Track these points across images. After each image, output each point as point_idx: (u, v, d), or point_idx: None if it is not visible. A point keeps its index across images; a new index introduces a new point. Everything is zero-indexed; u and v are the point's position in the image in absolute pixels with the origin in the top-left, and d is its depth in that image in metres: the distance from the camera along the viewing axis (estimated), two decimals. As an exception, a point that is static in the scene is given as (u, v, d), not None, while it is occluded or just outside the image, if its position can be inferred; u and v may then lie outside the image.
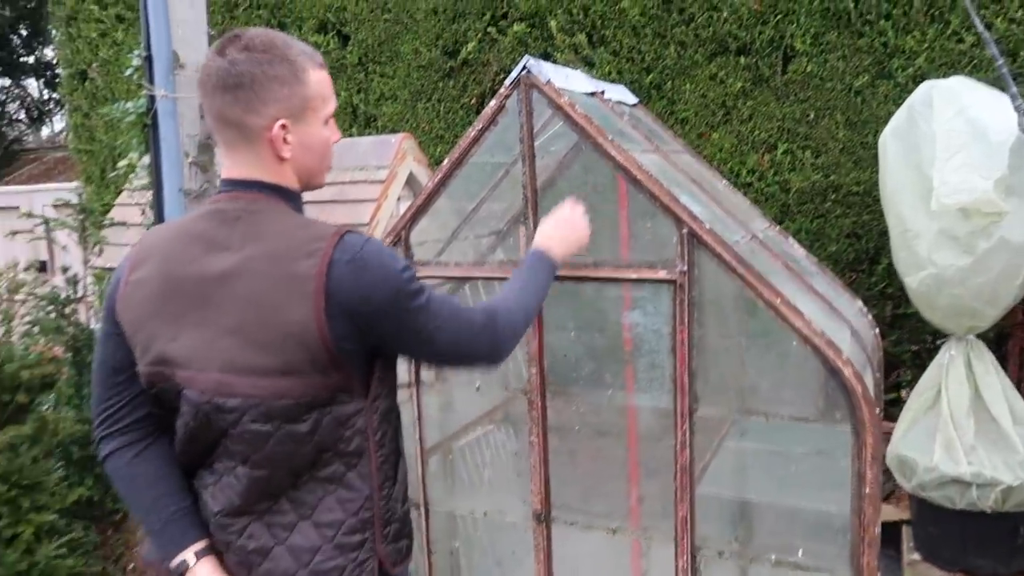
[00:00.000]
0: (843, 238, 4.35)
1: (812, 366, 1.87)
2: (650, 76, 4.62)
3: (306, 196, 4.16)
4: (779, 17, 4.32)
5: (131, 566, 3.51)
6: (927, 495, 3.20)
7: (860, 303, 2.59)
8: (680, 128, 4.61)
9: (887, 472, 3.68)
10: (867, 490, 1.83)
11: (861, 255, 4.35)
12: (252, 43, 1.40)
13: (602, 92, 2.46)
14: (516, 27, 4.87)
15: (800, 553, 1.97)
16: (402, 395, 2.42)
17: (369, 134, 5.32)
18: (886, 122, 3.38)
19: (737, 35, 4.43)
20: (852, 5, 4.15)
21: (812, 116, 4.35)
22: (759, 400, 1.97)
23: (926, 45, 4.04)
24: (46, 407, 3.03)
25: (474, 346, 1.49)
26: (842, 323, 2.19)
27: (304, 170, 1.49)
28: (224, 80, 1.39)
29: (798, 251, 2.62)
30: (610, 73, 4.68)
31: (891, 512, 3.78)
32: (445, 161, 2.24)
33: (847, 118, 4.27)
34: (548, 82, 2.08)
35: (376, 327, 1.39)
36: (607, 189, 2.27)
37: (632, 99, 2.77)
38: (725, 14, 4.42)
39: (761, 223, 2.60)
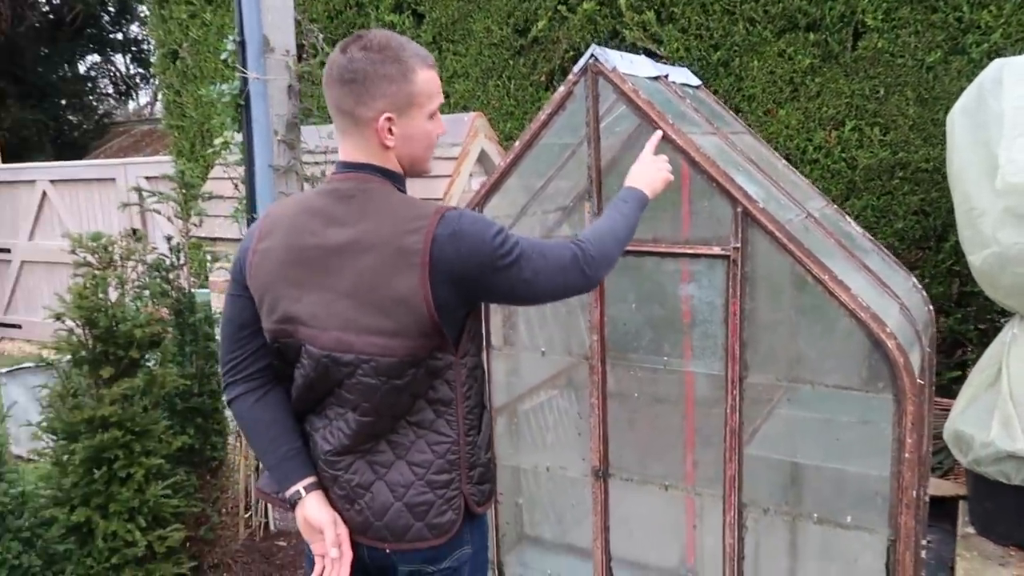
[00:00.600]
0: (910, 215, 4.35)
1: (857, 338, 1.99)
2: (718, 53, 4.67)
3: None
4: (850, -7, 4.31)
5: (224, 509, 3.85)
6: (983, 470, 3.25)
7: (914, 280, 2.66)
8: (747, 105, 4.65)
9: (946, 449, 3.73)
10: (906, 455, 1.94)
11: (928, 233, 4.34)
12: (370, 43, 1.59)
13: (666, 76, 2.58)
14: (586, 5, 4.97)
15: (848, 519, 2.10)
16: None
17: (442, 111, 5.51)
18: (958, 98, 3.39)
19: (807, 11, 4.43)
20: (926, -20, 4.11)
21: (882, 92, 4.34)
22: (806, 369, 2.09)
23: (1002, 20, 3.99)
24: (153, 363, 3.35)
25: (568, 279, 1.65)
26: (891, 299, 2.28)
27: (407, 157, 1.66)
28: (342, 75, 1.58)
29: (854, 229, 2.70)
30: (678, 50, 4.74)
31: (948, 488, 3.83)
32: (517, 143, 2.41)
33: (918, 94, 4.25)
34: (614, 69, 2.22)
35: (478, 287, 1.57)
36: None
37: (695, 81, 2.87)
38: (795, -10, 4.42)
39: (819, 202, 2.69)
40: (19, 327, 8.66)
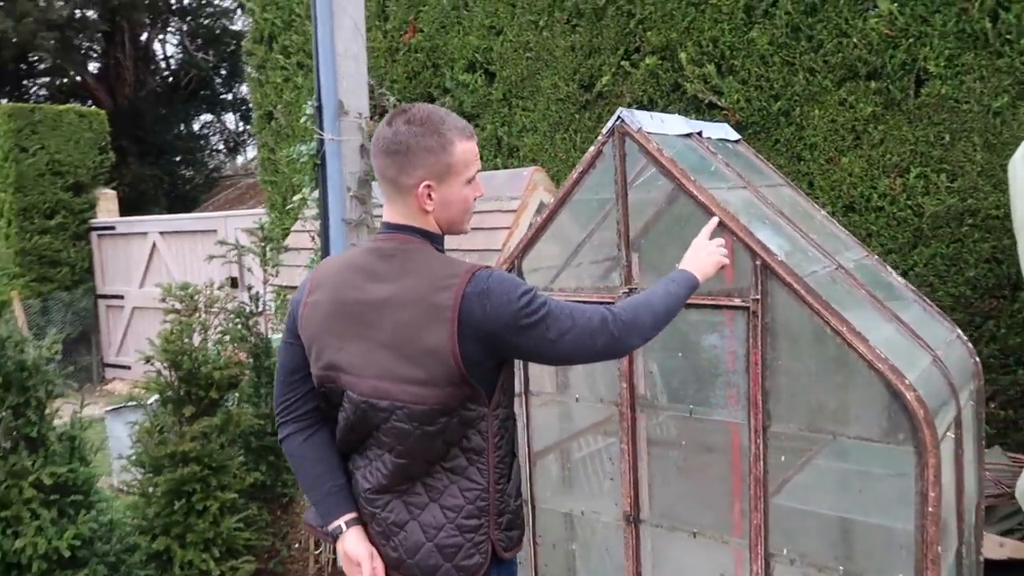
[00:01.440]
0: (982, 263, 4.23)
1: (876, 390, 2.01)
2: (778, 103, 4.71)
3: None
4: (911, 40, 4.29)
5: (296, 544, 4.07)
6: (1055, 530, 3.10)
7: (959, 332, 2.63)
8: (809, 153, 4.66)
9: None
10: (929, 509, 1.94)
11: (1002, 281, 4.20)
12: (413, 118, 1.73)
13: (699, 133, 2.69)
14: (648, 60, 5.12)
15: (875, 573, 2.09)
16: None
17: (512, 164, 5.75)
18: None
19: (867, 60, 4.43)
20: (989, 26, 4.07)
21: (947, 139, 4.27)
22: (828, 420, 2.11)
23: (1071, 64, 3.89)
24: (231, 403, 3.63)
25: (596, 342, 1.71)
26: (924, 350, 2.28)
27: (444, 220, 1.79)
28: (387, 146, 1.74)
29: (895, 280, 2.70)
30: (738, 101, 4.81)
31: (1026, 548, 3.64)
32: (552, 200, 2.56)
33: (985, 140, 4.17)
34: (639, 130, 2.35)
35: (504, 343, 1.67)
36: (700, 222, 2.48)
37: (734, 136, 2.96)
38: (855, 39, 4.44)
39: (857, 252, 2.71)
40: (128, 368, 9.34)
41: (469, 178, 1.79)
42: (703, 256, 1.99)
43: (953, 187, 4.26)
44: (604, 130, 2.40)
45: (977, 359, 2.59)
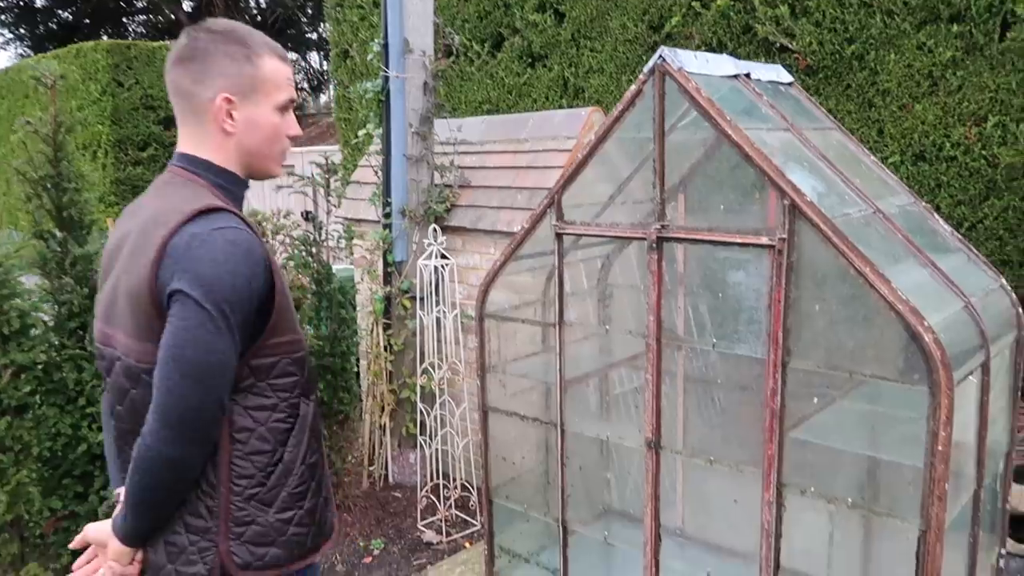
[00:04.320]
0: (1056, 218, 4.06)
1: (895, 330, 2.04)
2: (852, 47, 4.56)
3: (507, 162, 4.76)
4: (997, -19, 4.08)
5: (350, 458, 4.35)
6: (1098, 489, 3.06)
7: (1003, 282, 2.58)
8: (881, 100, 4.52)
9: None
10: (939, 448, 1.97)
11: (1077, 237, 4.04)
12: (215, 26, 1.53)
13: (746, 74, 2.68)
14: (719, 0, 5.01)
15: (882, 507, 2.14)
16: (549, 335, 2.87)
17: (576, 105, 5.75)
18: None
19: (950, 1, 4.24)
20: (1084, -34, 3.83)
21: (1030, 86, 4.07)
22: (845, 358, 2.14)
23: None
24: (295, 324, 3.88)
25: (168, 405, 1.39)
26: (957, 296, 2.27)
27: (249, 151, 1.54)
28: (182, 53, 1.51)
29: (941, 227, 2.66)
30: (810, 44, 4.68)
31: (1074, 509, 3.58)
32: (592, 135, 2.62)
33: (1070, 89, 3.96)
34: (680, 69, 2.38)
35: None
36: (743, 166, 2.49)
37: (787, 78, 2.93)
38: (937, -20, 4.25)
39: (903, 199, 2.67)
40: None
41: (281, 104, 1.56)
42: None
43: (1032, 138, 4.08)
44: (646, 68, 2.43)
45: (1020, 310, 2.55)
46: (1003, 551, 2.67)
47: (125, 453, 1.55)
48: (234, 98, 1.51)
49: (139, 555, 1.57)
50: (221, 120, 1.52)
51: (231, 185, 1.58)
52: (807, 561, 2.55)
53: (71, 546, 1.66)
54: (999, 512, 2.61)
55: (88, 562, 1.62)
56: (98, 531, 1.59)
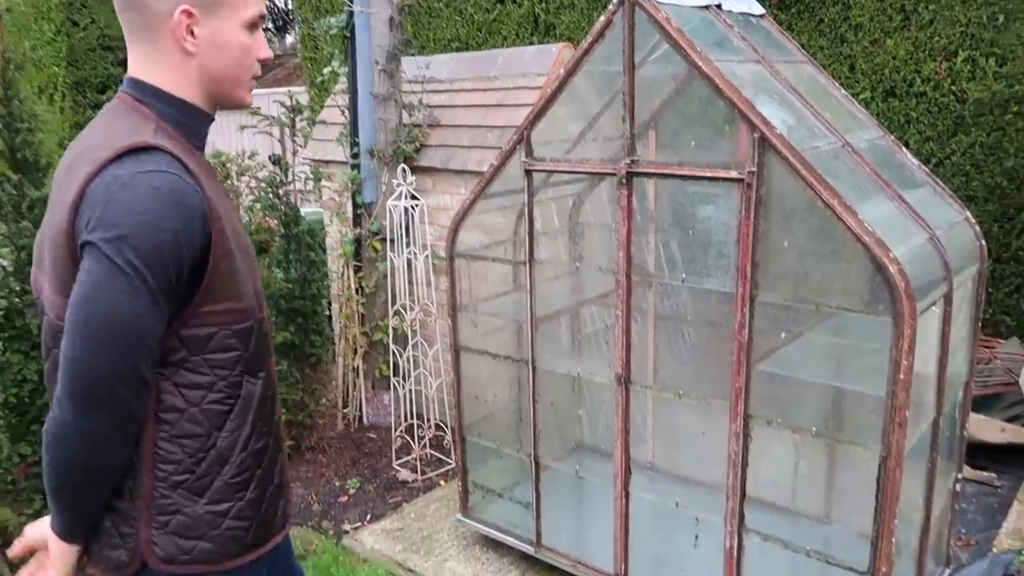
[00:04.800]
0: (1022, 153, 4.09)
1: (861, 262, 2.06)
2: (825, -21, 4.50)
3: (477, 100, 4.67)
4: (971, -89, 4.03)
5: (323, 400, 4.36)
6: (1052, 416, 3.16)
7: (968, 215, 2.61)
8: (853, 35, 4.49)
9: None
10: (901, 376, 2.02)
11: (1042, 172, 4.09)
12: None
13: (717, 5, 2.63)
14: (692, -68, 4.89)
15: (845, 435, 2.20)
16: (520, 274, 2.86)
17: (547, 42, 5.64)
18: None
19: (924, -67, 4.18)
20: None
21: (1001, 20, 4.06)
22: (812, 290, 2.17)
23: None
24: (261, 267, 3.83)
25: (74, 373, 1.22)
26: (922, 229, 2.30)
27: (213, 76, 1.33)
28: None
29: (909, 160, 2.67)
30: (783, -23, 4.61)
31: (1030, 436, 3.71)
32: (562, 70, 2.57)
33: (1040, 22, 3.96)
34: (649, -2, 2.32)
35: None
36: (715, 102, 2.46)
37: (758, 10, 2.89)
38: (911, -90, 4.18)
39: (872, 132, 2.67)
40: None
41: (249, 21, 1.34)
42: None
43: (1001, 72, 4.08)
44: (615, -2, 2.37)
45: (983, 243, 2.59)
46: (959, 476, 2.76)
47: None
48: (195, 11, 1.28)
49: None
50: (180, 38, 1.29)
51: (187, 118, 1.35)
52: (772, 490, 2.63)
53: (10, 554, 1.44)
54: (957, 439, 2.69)
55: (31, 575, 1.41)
56: (39, 531, 1.42)
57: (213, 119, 1.42)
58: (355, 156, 4.25)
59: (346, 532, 3.47)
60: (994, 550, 2.88)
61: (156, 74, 1.33)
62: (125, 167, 1.21)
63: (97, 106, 9.52)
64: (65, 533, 1.36)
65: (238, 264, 1.35)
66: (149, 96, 1.33)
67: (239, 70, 1.36)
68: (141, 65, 1.34)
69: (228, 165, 3.70)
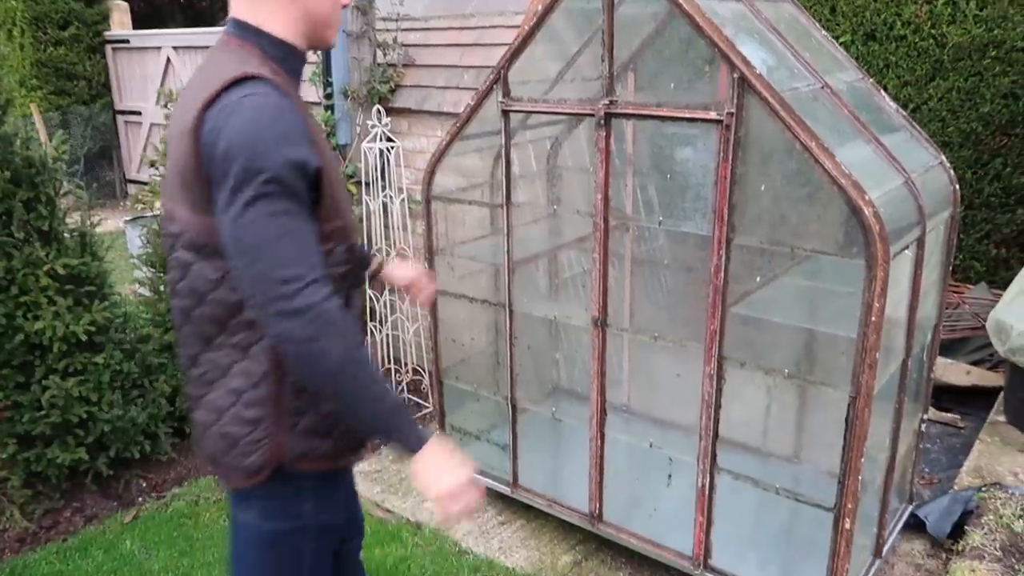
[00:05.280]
0: (998, 99, 4.10)
1: (837, 205, 2.06)
2: (808, -82, 4.41)
3: (453, 39, 4.57)
4: None
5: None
6: (1016, 360, 3.23)
7: (943, 159, 2.62)
8: (835, -24, 4.42)
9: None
10: (872, 318, 2.04)
11: (1017, 118, 4.10)
12: None
13: (699, -60, 2.56)
14: None
15: (815, 376, 2.23)
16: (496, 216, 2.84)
17: (525, -20, 5.49)
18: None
19: None
20: None
21: (984, -38, 4.01)
22: (788, 233, 2.17)
23: None
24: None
25: (265, 285, 1.27)
26: (898, 173, 2.30)
27: (315, 17, 1.42)
28: None
29: (887, 104, 2.66)
30: (766, -85, 4.51)
31: (993, 378, 3.80)
32: (540, 7, 2.50)
33: (1023, -36, 3.92)
34: (630, -69, 2.26)
35: (213, 184, 1.31)
36: (696, 42, 2.42)
37: (741, -54, 2.82)
38: None
39: (851, 75, 2.65)
40: (147, 184, 9.52)
41: None
42: (445, 471, 1.39)
43: (981, 16, 4.06)
44: (594, -69, 2.30)
45: (957, 187, 2.60)
46: (925, 417, 2.83)
47: (183, 332, 1.48)
48: None
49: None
50: None
51: (288, 58, 1.42)
52: (744, 431, 2.68)
53: None
54: (924, 381, 2.75)
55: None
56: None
57: (306, 60, 1.51)
58: (328, 97, 4.15)
59: (324, 474, 3.50)
60: (955, 488, 2.98)
61: (260, 16, 1.40)
62: (235, 94, 1.29)
63: (59, 43, 9.18)
64: (404, 430, 1.39)
65: (338, 184, 1.44)
66: (252, 36, 1.40)
67: (334, 13, 1.45)
68: (245, 7, 1.41)
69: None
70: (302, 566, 1.54)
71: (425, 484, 1.39)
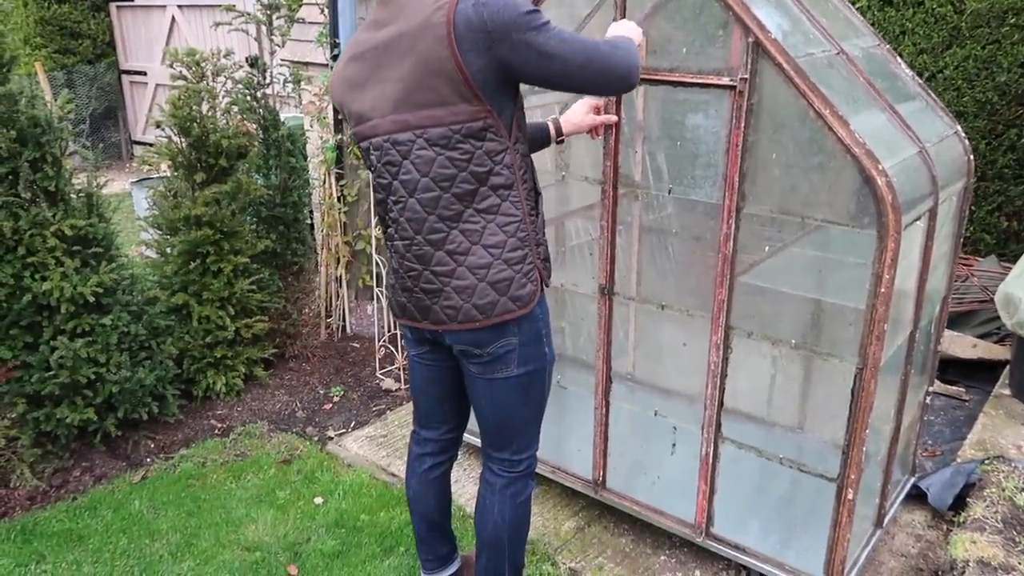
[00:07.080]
0: (1016, 67, 4.03)
1: (849, 174, 2.03)
2: None
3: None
4: None
5: (306, 309, 4.35)
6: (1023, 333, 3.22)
7: (959, 129, 2.57)
8: (853, -61, 4.32)
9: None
10: (882, 290, 2.02)
11: (1034, 88, 4.03)
12: None
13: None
14: None
15: (823, 347, 2.22)
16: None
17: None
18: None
19: None
20: None
21: (1006, -75, 3.91)
22: (799, 202, 2.15)
23: None
24: (240, 173, 3.73)
25: (611, 65, 1.75)
26: (912, 142, 2.26)
27: None
28: None
29: (903, 72, 2.61)
30: None
31: (1000, 352, 3.79)
32: (551, -32, 2.45)
33: (1046, -72, 3.82)
34: None
35: (504, 54, 1.68)
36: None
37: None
38: None
39: (867, 40, 2.60)
40: (153, 145, 9.47)
41: None
42: (632, 34, 1.97)
43: (1001, -19, 3.97)
44: None
45: (971, 157, 2.56)
46: (930, 389, 2.82)
47: (426, 225, 1.85)
48: None
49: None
50: None
51: None
52: (749, 401, 2.67)
53: None
54: (930, 353, 2.74)
55: None
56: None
57: None
58: (335, 58, 4.10)
59: (330, 438, 3.52)
60: (958, 460, 2.99)
61: None
62: None
63: (62, 0, 9.08)
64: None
65: None
66: None
67: None
68: None
69: (203, 64, 3.55)
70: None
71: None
